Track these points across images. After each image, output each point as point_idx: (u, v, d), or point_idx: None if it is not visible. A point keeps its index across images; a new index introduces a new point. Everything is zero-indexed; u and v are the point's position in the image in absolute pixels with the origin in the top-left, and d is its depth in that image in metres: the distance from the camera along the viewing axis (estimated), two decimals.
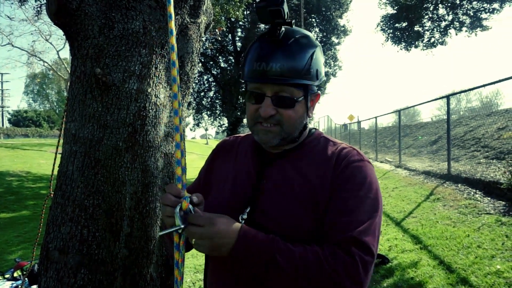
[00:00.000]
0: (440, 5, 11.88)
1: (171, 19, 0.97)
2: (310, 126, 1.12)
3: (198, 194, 0.94)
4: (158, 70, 1.68)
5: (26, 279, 3.01)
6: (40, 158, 16.48)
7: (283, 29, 0.97)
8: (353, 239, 0.87)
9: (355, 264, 0.84)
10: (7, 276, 3.44)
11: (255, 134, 1.02)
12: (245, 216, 0.98)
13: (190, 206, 0.90)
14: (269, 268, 0.85)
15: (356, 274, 0.84)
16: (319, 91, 1.08)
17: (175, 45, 0.97)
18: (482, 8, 11.33)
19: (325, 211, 0.94)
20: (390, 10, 12.82)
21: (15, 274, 3.44)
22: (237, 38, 17.26)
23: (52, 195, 1.67)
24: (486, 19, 11.44)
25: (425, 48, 12.93)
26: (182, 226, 0.88)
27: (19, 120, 57.40)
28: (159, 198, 1.68)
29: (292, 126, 1.00)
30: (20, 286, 3.03)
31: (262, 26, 15.71)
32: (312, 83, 0.98)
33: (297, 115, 0.99)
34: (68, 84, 1.75)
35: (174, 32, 0.97)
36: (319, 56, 1.01)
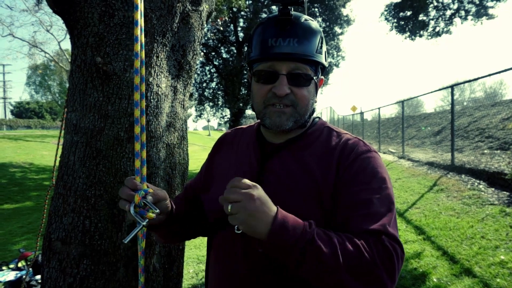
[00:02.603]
0: None
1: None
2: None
3: (155, 192, 0.91)
4: (159, 59, 1.65)
5: (30, 269, 3.03)
6: (43, 149, 16.53)
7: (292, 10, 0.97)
8: (381, 232, 0.82)
9: (390, 255, 0.79)
10: (11, 266, 3.47)
11: (266, 118, 0.98)
12: None
13: (148, 199, 0.87)
14: (307, 252, 0.76)
15: (391, 266, 0.79)
16: (322, 76, 1.06)
17: (139, 21, 0.96)
18: None
19: (333, 205, 0.90)
20: None
21: (20, 264, 3.47)
22: (239, 29, 17.06)
23: (54, 186, 1.66)
24: (492, 7, 11.27)
25: (430, 37, 12.79)
26: (144, 224, 0.85)
27: (22, 111, 57.58)
28: None
29: (305, 107, 0.98)
30: (24, 276, 3.06)
31: (264, 16, 15.55)
32: (324, 62, 1.00)
33: (310, 95, 0.99)
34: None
35: (140, 7, 0.96)
36: (324, 40, 1.02)
